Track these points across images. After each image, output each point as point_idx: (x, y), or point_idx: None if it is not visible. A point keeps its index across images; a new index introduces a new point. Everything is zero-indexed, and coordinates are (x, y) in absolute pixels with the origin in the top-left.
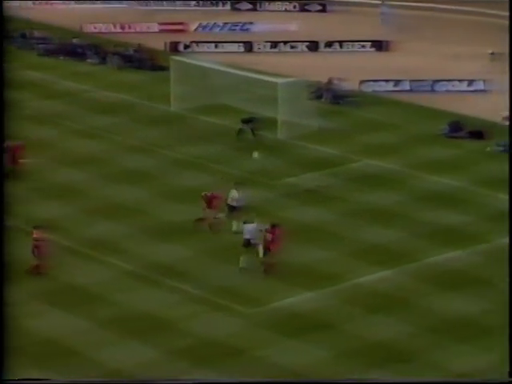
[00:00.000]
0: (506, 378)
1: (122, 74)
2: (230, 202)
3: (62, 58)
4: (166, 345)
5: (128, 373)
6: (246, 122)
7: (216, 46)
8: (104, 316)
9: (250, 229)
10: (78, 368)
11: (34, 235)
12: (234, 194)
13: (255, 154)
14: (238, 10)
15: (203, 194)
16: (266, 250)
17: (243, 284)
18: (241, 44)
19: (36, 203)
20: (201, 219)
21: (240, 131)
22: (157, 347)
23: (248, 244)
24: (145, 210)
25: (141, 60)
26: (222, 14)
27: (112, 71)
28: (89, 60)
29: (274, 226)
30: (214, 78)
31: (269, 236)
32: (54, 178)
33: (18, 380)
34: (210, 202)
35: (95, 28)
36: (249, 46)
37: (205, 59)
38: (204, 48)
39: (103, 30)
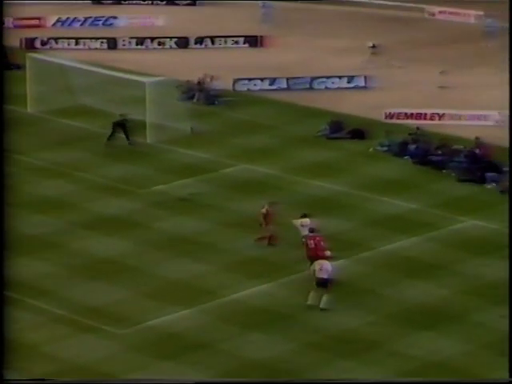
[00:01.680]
0: (506, 378)
1: None
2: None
3: None
4: (27, 371)
5: None
6: (119, 124)
7: (77, 43)
8: None
9: (327, 267)
10: None
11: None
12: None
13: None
14: (101, 3)
15: (260, 211)
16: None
17: (114, 303)
18: (104, 40)
19: None
20: (262, 238)
21: (111, 135)
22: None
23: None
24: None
25: None
26: (83, 8)
27: None
28: None
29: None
30: (75, 78)
31: (310, 243)
32: None
33: (18, 380)
34: (267, 218)
35: None
36: (113, 43)
37: (64, 57)
38: (63, 45)
39: None
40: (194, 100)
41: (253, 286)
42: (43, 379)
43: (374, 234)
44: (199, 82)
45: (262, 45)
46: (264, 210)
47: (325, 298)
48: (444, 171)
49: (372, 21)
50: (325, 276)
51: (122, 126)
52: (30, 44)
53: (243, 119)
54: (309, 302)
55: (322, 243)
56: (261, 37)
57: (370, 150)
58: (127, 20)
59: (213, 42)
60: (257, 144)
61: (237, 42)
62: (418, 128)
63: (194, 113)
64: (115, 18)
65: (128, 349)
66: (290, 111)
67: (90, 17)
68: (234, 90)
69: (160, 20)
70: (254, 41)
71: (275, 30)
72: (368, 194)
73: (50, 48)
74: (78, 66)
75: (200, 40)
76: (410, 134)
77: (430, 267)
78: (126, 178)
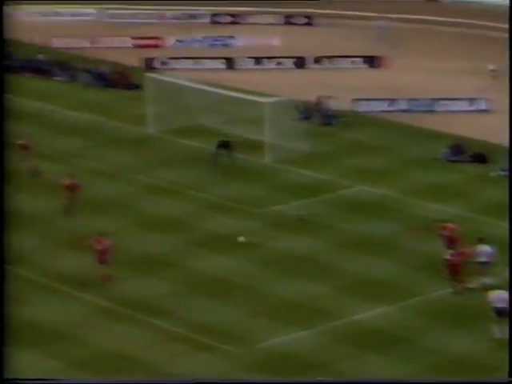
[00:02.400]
0: (506, 378)
1: (93, 92)
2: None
3: (26, 75)
4: None
5: None
6: (223, 145)
7: (195, 63)
8: (74, 355)
9: (503, 297)
10: None
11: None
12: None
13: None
14: (218, 23)
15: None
16: None
17: (230, 322)
18: (222, 60)
19: None
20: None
21: (215, 155)
22: None
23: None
24: (116, 241)
25: (113, 78)
26: (201, 28)
27: (82, 90)
28: (56, 78)
29: None
30: (193, 98)
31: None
32: (14, 207)
33: (19, 380)
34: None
35: (63, 43)
36: (230, 63)
37: (183, 77)
38: (182, 64)
39: (71, 45)
40: (311, 120)
41: (370, 308)
42: (43, 379)
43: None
44: (316, 103)
45: (379, 65)
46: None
47: (498, 327)
48: None
49: (490, 43)
50: (503, 305)
51: (225, 146)
52: (149, 64)
53: (361, 140)
54: (495, 336)
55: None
56: (378, 57)
57: (491, 174)
58: (245, 40)
59: (330, 62)
60: (374, 165)
61: (355, 62)
62: None
63: (311, 133)
64: (233, 37)
65: (243, 368)
66: (408, 133)
67: (208, 37)
68: (351, 110)
69: (277, 40)
70: (371, 61)
71: (392, 50)
72: (488, 219)
73: (169, 68)
74: (196, 86)
75: (317, 60)
76: None
77: None
78: (243, 197)
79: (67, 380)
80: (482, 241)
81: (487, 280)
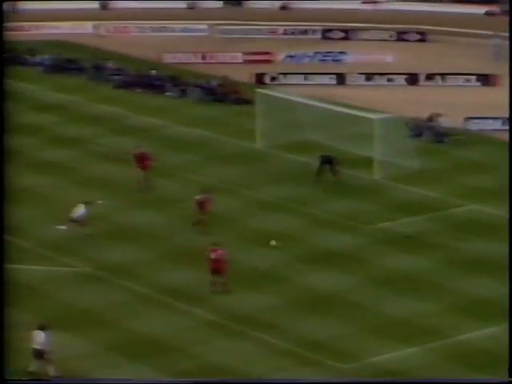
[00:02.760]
0: (506, 378)
1: (204, 107)
2: None
3: (138, 90)
4: None
5: None
6: (325, 161)
7: (305, 78)
8: (181, 369)
9: None
10: None
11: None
12: None
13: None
14: (330, 38)
15: None
16: None
17: (336, 338)
18: (332, 76)
19: (108, 246)
20: None
21: (319, 170)
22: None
23: None
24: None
25: (224, 93)
26: (312, 43)
27: (192, 105)
28: (168, 93)
29: None
30: (303, 113)
31: None
32: (126, 221)
33: (19, 380)
34: None
35: (174, 58)
36: (341, 79)
37: (293, 92)
38: (292, 80)
39: (183, 61)
40: (423, 137)
41: (478, 327)
42: (43, 379)
43: None
44: (428, 120)
45: (493, 83)
46: None
47: None
48: None
49: None
50: None
51: (329, 161)
52: (259, 79)
53: (473, 158)
54: None
55: None
56: (492, 75)
57: None
58: (356, 56)
59: (443, 80)
60: (486, 184)
61: (468, 80)
62: None
63: (422, 150)
64: (344, 53)
65: None
66: None
67: (319, 52)
68: (464, 128)
69: (389, 56)
70: (485, 79)
71: (506, 68)
72: None
73: (279, 83)
74: (307, 101)
75: (430, 77)
76: None
77: None
78: (352, 213)
79: (67, 380)
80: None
81: None
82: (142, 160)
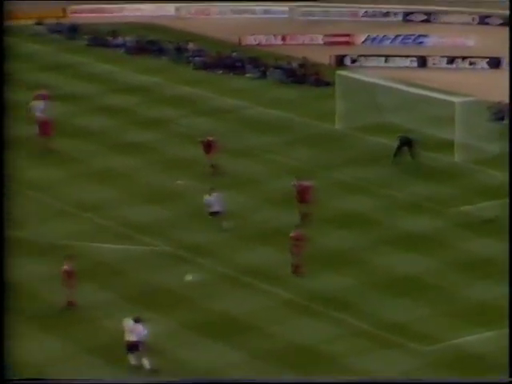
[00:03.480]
0: (506, 378)
1: (284, 89)
2: None
3: (219, 72)
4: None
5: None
6: (404, 142)
7: (386, 61)
8: (258, 348)
9: None
10: None
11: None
12: None
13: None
14: (411, 21)
15: None
16: None
17: (416, 320)
18: (413, 58)
19: (186, 228)
20: None
21: (397, 152)
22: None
23: None
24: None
25: (304, 75)
26: (393, 26)
27: (272, 86)
28: (248, 74)
29: None
30: (383, 95)
31: None
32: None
33: (19, 380)
34: None
35: (255, 40)
36: (422, 61)
37: (373, 74)
38: (372, 62)
39: (263, 42)
40: (504, 121)
41: None
42: (43, 379)
43: None
44: (510, 104)
45: None
46: None
47: None
48: None
49: None
50: None
51: (408, 143)
52: (339, 61)
53: None
54: None
55: None
56: None
57: None
58: (438, 39)
59: None
60: None
61: None
62: None
63: (504, 134)
64: (425, 36)
65: (429, 366)
66: None
67: (400, 35)
68: None
69: (471, 40)
70: None
71: None
72: None
73: (360, 65)
74: (386, 83)
75: None
76: None
77: None
78: (432, 196)
79: (67, 380)
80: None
81: None
82: (209, 147)
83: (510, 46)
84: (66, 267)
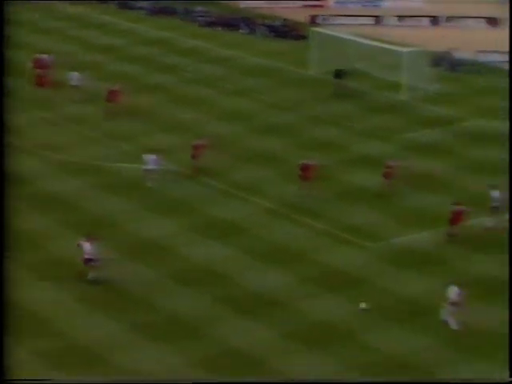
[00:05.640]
0: (507, 378)
1: (269, 42)
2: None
3: (219, 29)
4: (297, 271)
5: (269, 293)
6: (337, 75)
7: (350, 19)
8: (247, 246)
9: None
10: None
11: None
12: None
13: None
14: None
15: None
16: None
17: (365, 222)
18: (371, 18)
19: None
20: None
21: (336, 85)
22: (290, 273)
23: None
24: (281, 157)
25: (285, 31)
26: None
27: (260, 40)
28: (241, 31)
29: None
30: (347, 47)
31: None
32: (208, 130)
33: (18, 380)
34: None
35: (248, 4)
36: (378, 20)
37: (340, 30)
38: (339, 21)
39: (254, 6)
40: (441, 67)
41: (481, 216)
42: (43, 379)
43: None
44: (446, 53)
45: (500, 25)
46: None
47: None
48: None
49: None
50: (458, 299)
51: (340, 75)
52: (313, 20)
53: (481, 84)
54: (453, 327)
55: None
56: (500, 18)
57: None
58: (391, 2)
59: (459, 21)
60: (491, 104)
61: (479, 22)
62: None
63: (441, 77)
64: (382, 0)
65: (377, 259)
66: None
67: None
68: (474, 60)
69: (418, 3)
70: (493, 21)
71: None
72: None
73: (329, 23)
74: (350, 37)
75: (449, 19)
76: None
77: None
78: (384, 125)
79: (67, 380)
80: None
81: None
82: (306, 170)
83: (510, 43)
84: None
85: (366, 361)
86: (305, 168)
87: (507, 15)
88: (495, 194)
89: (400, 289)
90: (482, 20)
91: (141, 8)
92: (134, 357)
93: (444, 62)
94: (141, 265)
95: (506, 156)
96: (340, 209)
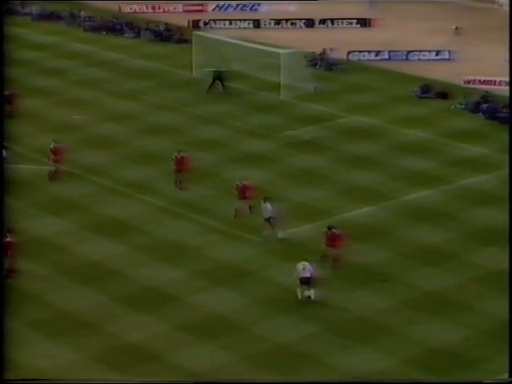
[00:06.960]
0: (506, 378)
1: (153, 46)
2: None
3: (103, 33)
4: (189, 266)
5: (162, 288)
6: (216, 77)
7: (230, 23)
8: (139, 243)
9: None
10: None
11: None
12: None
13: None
14: None
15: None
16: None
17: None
18: (250, 21)
19: (83, 152)
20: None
21: (211, 85)
22: (182, 268)
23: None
24: (169, 157)
25: (169, 35)
26: None
27: (145, 44)
28: (126, 35)
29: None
30: (228, 49)
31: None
32: (96, 131)
33: (18, 380)
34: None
35: (131, 9)
36: (257, 23)
37: (220, 33)
38: (220, 25)
39: (137, 11)
40: (317, 67)
41: (358, 208)
42: (43, 379)
43: (454, 171)
44: (321, 53)
45: (370, 25)
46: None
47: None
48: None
49: (455, 9)
50: (308, 275)
51: (219, 77)
52: (195, 24)
53: (354, 82)
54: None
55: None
56: (369, 19)
57: (452, 107)
58: (268, 6)
59: (332, 23)
60: (364, 101)
61: (351, 23)
62: (486, 92)
63: (317, 77)
64: (259, 5)
65: (264, 252)
66: (389, 76)
67: (240, 4)
68: (347, 59)
69: (293, 7)
70: (364, 22)
71: (379, 13)
72: (449, 141)
73: (210, 27)
74: (230, 40)
75: (323, 21)
76: (482, 97)
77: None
78: (264, 124)
79: (67, 380)
80: (266, 199)
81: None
82: (181, 164)
83: (510, 46)
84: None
85: (257, 350)
86: (179, 162)
87: (374, 16)
88: (267, 206)
89: (285, 279)
90: (354, 21)
91: (26, 13)
92: (29, 352)
93: (319, 62)
94: (33, 262)
95: (380, 148)
96: (228, 205)
